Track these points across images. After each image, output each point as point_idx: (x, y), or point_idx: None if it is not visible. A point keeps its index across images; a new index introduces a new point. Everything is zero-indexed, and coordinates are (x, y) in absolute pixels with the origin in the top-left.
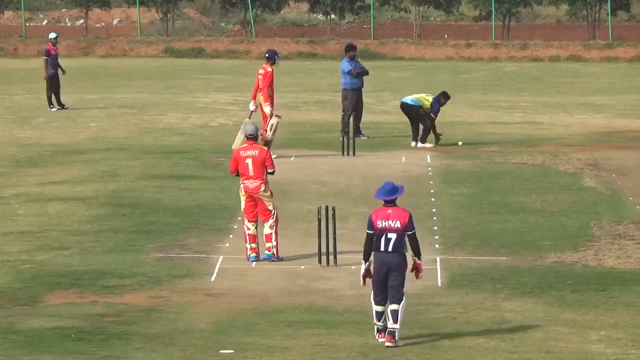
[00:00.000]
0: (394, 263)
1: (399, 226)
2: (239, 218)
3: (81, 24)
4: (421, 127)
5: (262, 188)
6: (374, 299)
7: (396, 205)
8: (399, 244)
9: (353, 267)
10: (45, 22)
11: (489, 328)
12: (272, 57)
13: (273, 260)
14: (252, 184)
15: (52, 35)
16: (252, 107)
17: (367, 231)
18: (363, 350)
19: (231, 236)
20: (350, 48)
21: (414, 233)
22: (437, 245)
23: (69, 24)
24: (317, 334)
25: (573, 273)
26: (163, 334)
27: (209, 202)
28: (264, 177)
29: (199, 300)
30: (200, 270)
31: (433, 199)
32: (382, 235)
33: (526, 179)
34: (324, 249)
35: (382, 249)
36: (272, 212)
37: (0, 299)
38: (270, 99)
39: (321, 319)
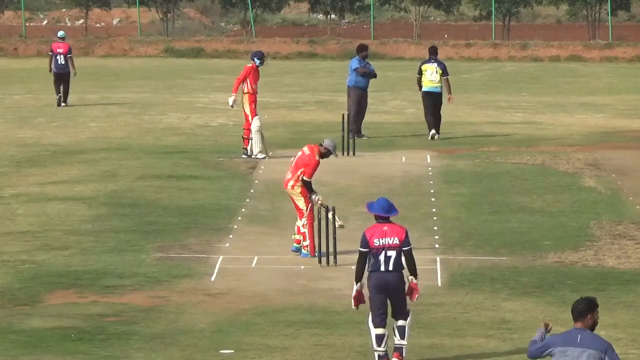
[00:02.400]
0: (395, 283)
1: (397, 242)
2: (239, 218)
3: (81, 24)
4: (430, 118)
5: (291, 184)
6: (372, 321)
7: (391, 222)
8: (399, 262)
9: (353, 267)
10: (45, 22)
11: (489, 328)
12: (252, 58)
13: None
14: (287, 175)
15: (62, 33)
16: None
17: (361, 249)
18: (363, 350)
19: (231, 236)
20: (362, 48)
21: (411, 249)
22: (437, 245)
23: (69, 24)
24: (317, 334)
25: (573, 273)
26: (163, 334)
27: (209, 202)
28: (297, 176)
29: (199, 300)
30: (200, 270)
31: (433, 199)
32: (381, 254)
33: (526, 179)
34: (324, 249)
35: (382, 268)
36: (305, 212)
37: (0, 299)
38: (252, 95)
39: (321, 319)
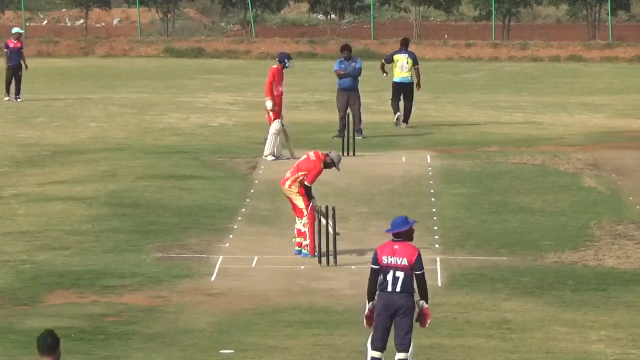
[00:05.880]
0: (402, 305)
1: (406, 264)
2: (239, 218)
3: (81, 24)
4: (402, 105)
5: (287, 184)
6: (371, 343)
7: (404, 241)
8: (408, 284)
9: (353, 267)
10: (45, 22)
11: (489, 328)
12: (282, 60)
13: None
14: (286, 174)
15: (14, 30)
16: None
17: (372, 266)
18: (363, 350)
19: (231, 236)
20: (343, 49)
21: (423, 273)
22: (437, 245)
23: (69, 24)
24: (317, 334)
25: (573, 273)
26: (163, 334)
27: (209, 202)
28: (295, 176)
29: (199, 300)
30: (200, 270)
31: (433, 199)
32: (388, 273)
33: (526, 179)
34: (324, 249)
35: (389, 288)
36: (305, 212)
37: (0, 299)
38: (276, 97)
39: (321, 319)
